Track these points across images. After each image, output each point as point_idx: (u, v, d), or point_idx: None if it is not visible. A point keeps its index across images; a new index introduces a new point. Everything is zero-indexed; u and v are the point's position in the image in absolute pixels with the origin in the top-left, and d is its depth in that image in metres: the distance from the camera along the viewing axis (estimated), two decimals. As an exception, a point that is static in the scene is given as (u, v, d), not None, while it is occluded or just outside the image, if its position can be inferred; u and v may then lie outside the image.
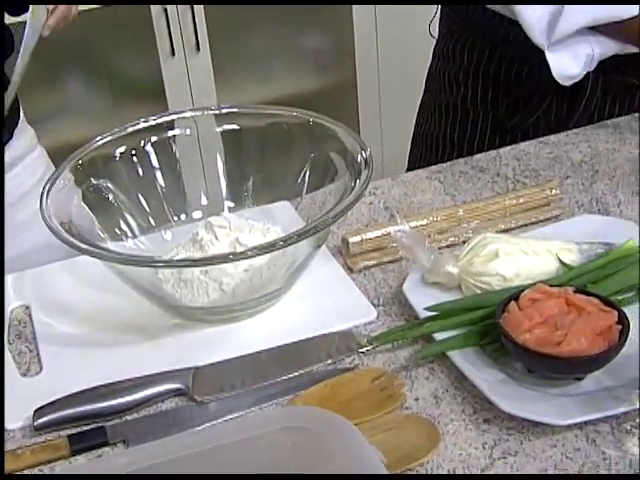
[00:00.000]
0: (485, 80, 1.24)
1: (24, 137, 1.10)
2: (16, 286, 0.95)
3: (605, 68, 1.17)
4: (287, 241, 0.79)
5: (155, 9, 2.10)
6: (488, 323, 0.79)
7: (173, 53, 2.16)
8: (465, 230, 0.96)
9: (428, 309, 0.82)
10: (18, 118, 1.11)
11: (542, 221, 0.98)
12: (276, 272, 0.85)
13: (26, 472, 0.73)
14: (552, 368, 0.74)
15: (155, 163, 0.95)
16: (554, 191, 1.00)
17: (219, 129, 0.97)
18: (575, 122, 1.20)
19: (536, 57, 1.12)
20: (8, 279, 0.95)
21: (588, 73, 1.16)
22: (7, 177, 1.10)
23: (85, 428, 0.76)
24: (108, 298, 0.90)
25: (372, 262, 0.93)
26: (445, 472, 0.70)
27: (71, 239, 0.80)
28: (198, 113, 0.98)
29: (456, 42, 1.26)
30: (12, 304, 0.92)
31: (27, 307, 0.92)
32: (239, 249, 0.87)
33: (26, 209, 1.10)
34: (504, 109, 1.24)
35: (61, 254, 0.93)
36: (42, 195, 0.85)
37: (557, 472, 0.69)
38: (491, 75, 1.23)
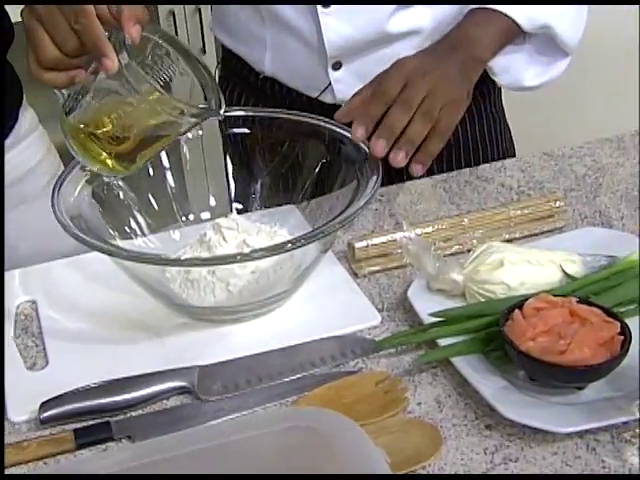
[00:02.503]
0: None
1: (25, 117, 1.11)
2: (23, 281, 0.95)
3: None
4: (294, 244, 0.80)
5: (163, 11, 2.11)
6: (492, 331, 0.80)
7: (179, 55, 2.16)
8: (470, 239, 0.97)
9: (433, 315, 0.83)
10: (22, 99, 1.12)
11: (546, 232, 0.99)
12: (282, 275, 0.86)
13: (31, 465, 0.74)
14: (555, 377, 0.75)
15: (166, 163, 0.96)
16: (558, 203, 1.00)
17: (229, 131, 0.98)
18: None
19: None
20: (15, 274, 0.96)
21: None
22: (15, 152, 1.10)
23: (90, 423, 0.77)
24: (115, 295, 0.90)
25: (377, 267, 0.94)
26: (447, 476, 0.70)
27: (81, 234, 0.81)
28: (209, 115, 0.99)
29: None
30: (19, 299, 0.93)
31: (34, 302, 0.92)
32: (246, 251, 0.87)
33: (35, 183, 1.11)
34: None
35: (69, 247, 0.93)
36: (54, 190, 0.85)
37: (557, 479, 0.70)
38: None
